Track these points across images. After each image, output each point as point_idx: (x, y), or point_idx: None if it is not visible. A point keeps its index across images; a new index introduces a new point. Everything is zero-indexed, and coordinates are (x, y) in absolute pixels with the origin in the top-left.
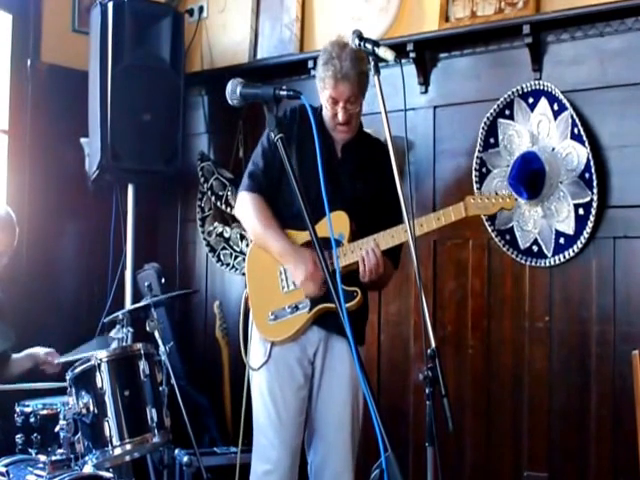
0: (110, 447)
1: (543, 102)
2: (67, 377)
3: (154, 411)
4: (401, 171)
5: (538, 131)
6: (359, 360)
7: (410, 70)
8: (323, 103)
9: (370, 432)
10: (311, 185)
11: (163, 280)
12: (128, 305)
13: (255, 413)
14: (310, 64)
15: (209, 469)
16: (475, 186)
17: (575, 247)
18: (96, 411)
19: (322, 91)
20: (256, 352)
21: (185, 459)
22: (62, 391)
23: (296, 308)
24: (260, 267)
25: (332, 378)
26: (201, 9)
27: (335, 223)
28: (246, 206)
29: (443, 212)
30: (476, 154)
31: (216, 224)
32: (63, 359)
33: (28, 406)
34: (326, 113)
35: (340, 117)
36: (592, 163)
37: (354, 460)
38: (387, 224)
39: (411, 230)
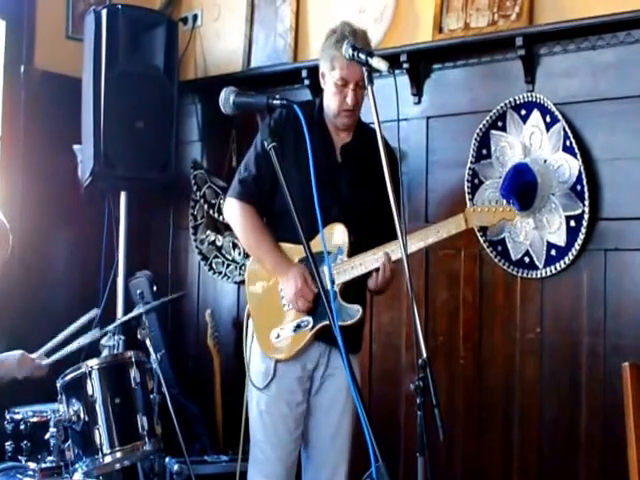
0: (100, 455)
1: (535, 114)
2: (57, 384)
3: (145, 419)
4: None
5: (530, 143)
6: (351, 372)
7: (403, 81)
8: (328, 88)
9: (361, 442)
10: (309, 191)
11: (155, 288)
12: (120, 312)
13: (252, 428)
14: (304, 73)
15: (200, 477)
16: (467, 197)
17: (566, 259)
18: (86, 419)
19: (330, 72)
20: (257, 369)
21: (176, 467)
22: (52, 398)
23: (298, 327)
24: (260, 284)
25: (330, 388)
26: (195, 17)
27: (333, 236)
28: (237, 217)
29: (442, 224)
30: (468, 165)
31: (208, 232)
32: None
33: (18, 413)
34: (330, 101)
35: (349, 100)
36: (584, 175)
37: (348, 470)
38: (388, 232)
39: (403, 238)
